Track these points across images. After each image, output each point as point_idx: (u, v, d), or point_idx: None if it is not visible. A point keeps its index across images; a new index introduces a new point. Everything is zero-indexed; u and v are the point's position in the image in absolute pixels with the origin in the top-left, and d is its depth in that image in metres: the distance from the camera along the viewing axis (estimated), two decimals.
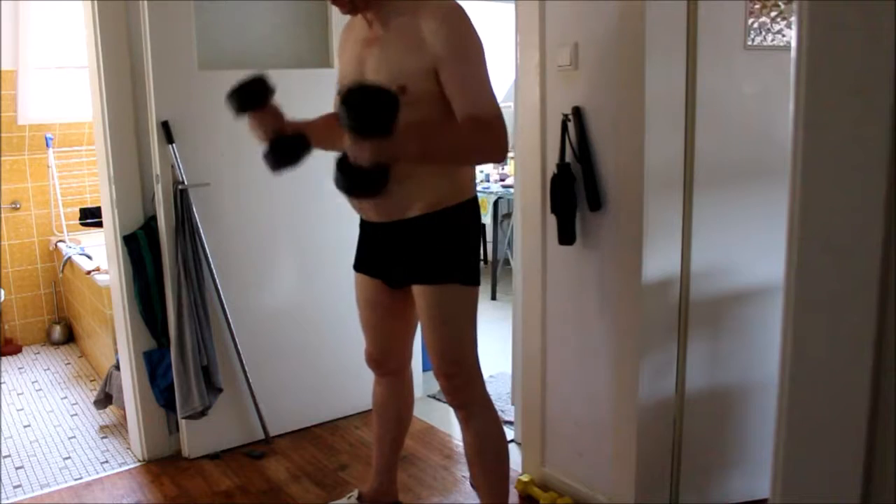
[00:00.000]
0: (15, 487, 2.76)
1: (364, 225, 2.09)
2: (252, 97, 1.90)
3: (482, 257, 6.36)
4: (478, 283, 1.98)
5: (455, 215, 1.92)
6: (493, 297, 5.20)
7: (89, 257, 4.12)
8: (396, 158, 1.73)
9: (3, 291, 4.26)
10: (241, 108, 1.90)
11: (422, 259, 1.93)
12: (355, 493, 2.42)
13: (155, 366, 2.82)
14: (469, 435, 2.06)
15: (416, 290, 1.96)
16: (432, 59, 1.77)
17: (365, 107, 1.65)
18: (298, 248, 3.02)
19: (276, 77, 3.11)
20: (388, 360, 2.22)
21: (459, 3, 1.83)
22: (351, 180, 1.75)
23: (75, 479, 2.80)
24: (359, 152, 1.70)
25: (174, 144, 2.68)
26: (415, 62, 1.79)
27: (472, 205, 1.97)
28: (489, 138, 1.78)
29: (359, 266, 2.14)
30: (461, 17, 1.80)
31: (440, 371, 1.99)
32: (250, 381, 2.91)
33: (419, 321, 2.01)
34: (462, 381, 2.00)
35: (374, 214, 1.97)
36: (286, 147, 1.88)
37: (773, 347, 1.07)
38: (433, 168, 1.88)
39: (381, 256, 2.05)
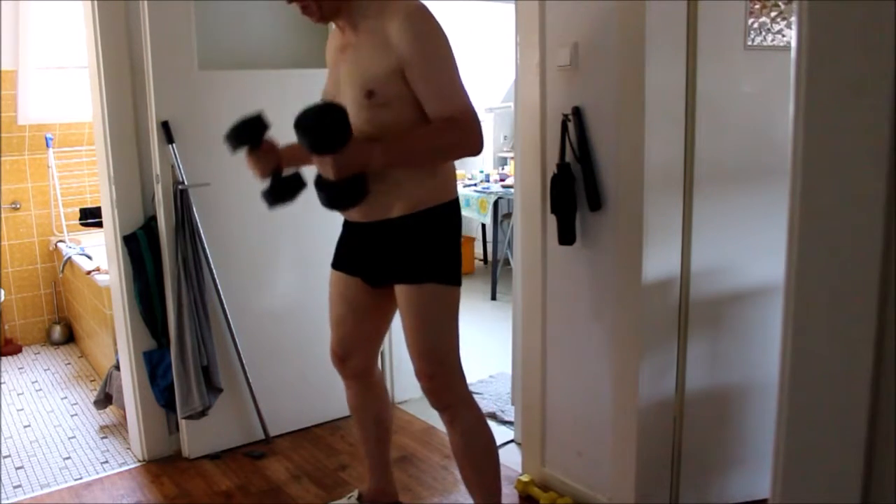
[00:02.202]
0: (15, 487, 2.76)
1: (347, 224, 2.10)
2: (247, 135, 1.97)
3: (482, 257, 6.36)
4: (459, 284, 1.98)
5: (437, 216, 1.94)
6: (493, 297, 5.20)
7: (89, 257, 4.12)
8: (363, 168, 1.78)
9: (3, 291, 4.26)
10: (237, 146, 1.98)
11: (403, 259, 1.94)
12: (355, 493, 2.42)
13: (155, 366, 2.82)
14: (455, 436, 2.05)
15: (398, 289, 1.97)
16: (398, 59, 1.79)
17: (313, 126, 1.72)
18: (298, 248, 3.02)
19: (275, 77, 3.11)
20: (351, 358, 2.20)
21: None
22: (327, 195, 1.84)
23: (75, 479, 2.80)
24: (323, 169, 1.78)
25: (174, 144, 2.68)
26: (382, 65, 1.81)
27: (454, 206, 1.99)
28: (459, 134, 1.80)
29: (338, 264, 2.14)
30: (424, 16, 1.80)
31: (421, 372, 1.99)
32: (250, 381, 2.91)
33: (402, 322, 2.01)
34: (443, 382, 1.99)
35: (357, 215, 1.99)
36: (283, 187, 1.97)
37: (773, 347, 1.07)
38: (414, 170, 1.90)
39: (363, 255, 2.06)
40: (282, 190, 1.97)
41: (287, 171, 2.00)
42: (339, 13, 1.88)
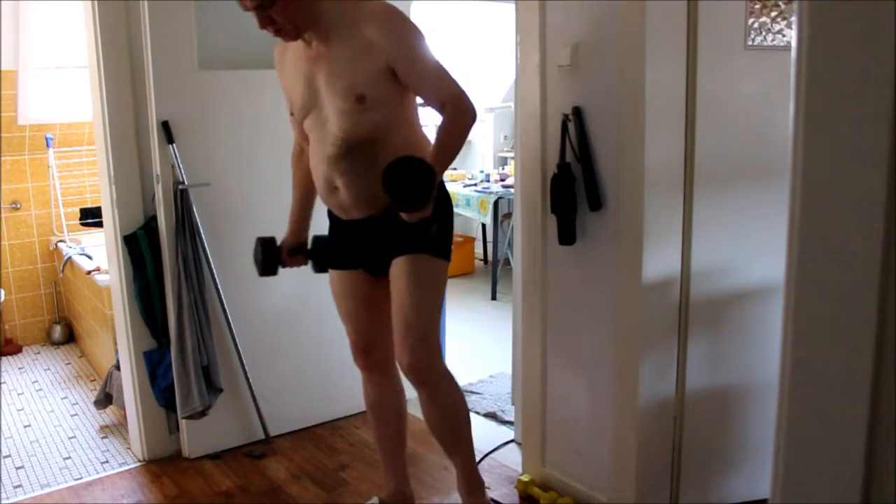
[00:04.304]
0: (15, 487, 2.76)
1: (340, 222, 2.13)
2: (271, 264, 2.25)
3: (482, 257, 6.36)
4: (449, 259, 2.08)
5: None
6: (493, 297, 5.20)
7: (89, 257, 4.12)
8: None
9: (3, 291, 4.26)
10: (274, 272, 2.27)
11: (401, 237, 2.00)
12: (375, 499, 2.41)
13: (155, 366, 2.82)
14: (437, 410, 2.09)
15: (394, 264, 2.02)
16: (386, 59, 1.89)
17: (413, 195, 1.80)
18: None
19: (275, 77, 3.11)
20: (374, 348, 2.24)
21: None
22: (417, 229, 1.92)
23: (75, 479, 2.80)
24: (413, 217, 1.85)
25: (174, 144, 2.68)
26: (369, 67, 1.90)
27: (442, 187, 2.07)
28: (463, 115, 1.94)
29: (348, 262, 2.18)
30: (400, 15, 1.94)
31: (406, 344, 2.01)
32: (250, 381, 2.91)
33: (392, 295, 2.04)
34: (427, 355, 2.03)
35: (356, 212, 2.04)
36: (317, 256, 2.24)
37: (773, 347, 1.07)
38: None
39: (363, 247, 2.11)
40: (318, 258, 2.23)
41: (309, 240, 2.27)
42: (311, 27, 1.94)
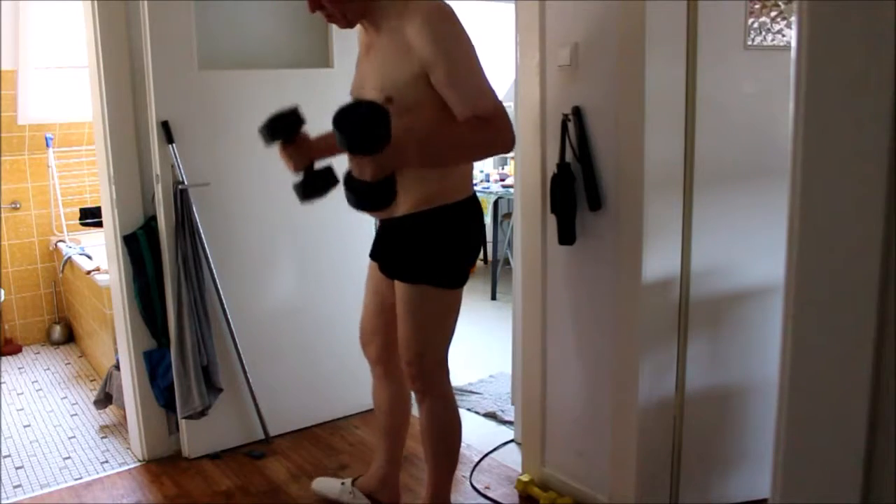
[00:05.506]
0: (15, 487, 2.76)
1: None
2: (282, 129, 1.95)
3: (482, 257, 6.35)
4: (456, 286, 2.02)
5: (442, 216, 1.94)
6: (493, 297, 5.20)
7: (89, 257, 4.12)
8: (398, 168, 1.77)
9: (3, 291, 4.26)
10: (271, 139, 1.96)
11: (403, 257, 2.00)
12: (348, 480, 2.49)
13: (155, 366, 2.82)
14: (422, 418, 2.15)
15: (396, 284, 2.04)
16: (420, 63, 1.77)
17: (355, 127, 1.68)
18: (298, 247, 3.02)
19: (275, 77, 3.12)
20: (370, 344, 2.29)
21: (451, 1, 1.85)
22: (358, 196, 1.83)
23: (75, 479, 2.80)
24: (359, 169, 1.76)
25: (174, 144, 2.68)
26: (402, 70, 1.79)
27: (466, 205, 1.98)
28: (490, 132, 1.79)
29: (372, 253, 2.22)
30: (443, 16, 1.78)
31: (403, 357, 2.08)
32: (250, 381, 2.91)
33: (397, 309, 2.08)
34: (419, 371, 2.07)
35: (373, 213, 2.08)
36: (315, 181, 1.97)
37: (773, 347, 1.07)
38: (420, 170, 1.89)
39: (380, 246, 2.14)
40: (314, 185, 1.96)
41: (319, 165, 1.99)
42: (364, 16, 1.89)
